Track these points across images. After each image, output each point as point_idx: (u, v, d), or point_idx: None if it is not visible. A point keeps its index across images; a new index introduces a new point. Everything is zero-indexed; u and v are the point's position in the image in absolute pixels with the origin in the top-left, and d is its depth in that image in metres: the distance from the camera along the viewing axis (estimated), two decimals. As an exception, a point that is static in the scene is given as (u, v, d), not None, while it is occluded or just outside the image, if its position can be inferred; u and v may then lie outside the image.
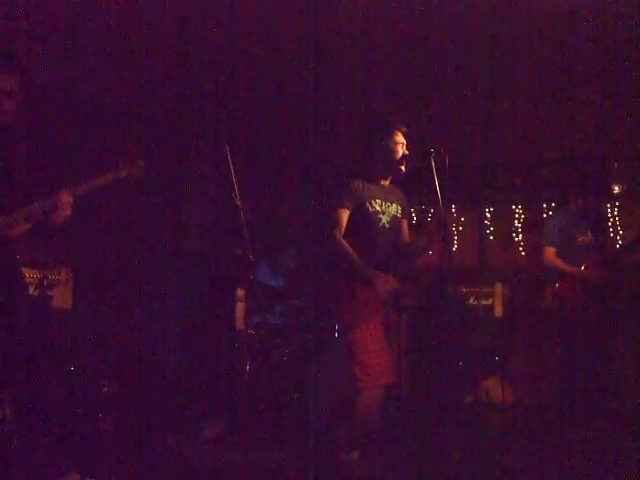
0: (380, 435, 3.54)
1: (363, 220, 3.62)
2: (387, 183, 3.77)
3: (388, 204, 3.71)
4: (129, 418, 2.75)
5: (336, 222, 3.59)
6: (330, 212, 3.63)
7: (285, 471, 3.68)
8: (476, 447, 3.86)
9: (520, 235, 6.81)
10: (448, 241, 3.49)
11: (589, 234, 4.76)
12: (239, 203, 3.40)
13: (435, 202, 3.61)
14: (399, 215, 3.78)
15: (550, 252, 4.76)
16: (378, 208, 3.66)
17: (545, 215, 6.67)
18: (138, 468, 2.82)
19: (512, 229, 6.84)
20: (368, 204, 3.62)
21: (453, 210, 6.81)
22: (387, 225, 3.68)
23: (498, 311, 5.51)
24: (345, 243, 3.57)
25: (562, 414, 4.49)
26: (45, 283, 4.53)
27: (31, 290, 4.74)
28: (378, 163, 3.72)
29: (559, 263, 4.70)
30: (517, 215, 6.90)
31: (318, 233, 3.82)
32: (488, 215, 6.94)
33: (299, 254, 5.46)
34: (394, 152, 3.66)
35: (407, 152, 3.68)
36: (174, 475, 3.45)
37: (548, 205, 6.71)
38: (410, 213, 6.34)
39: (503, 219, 6.89)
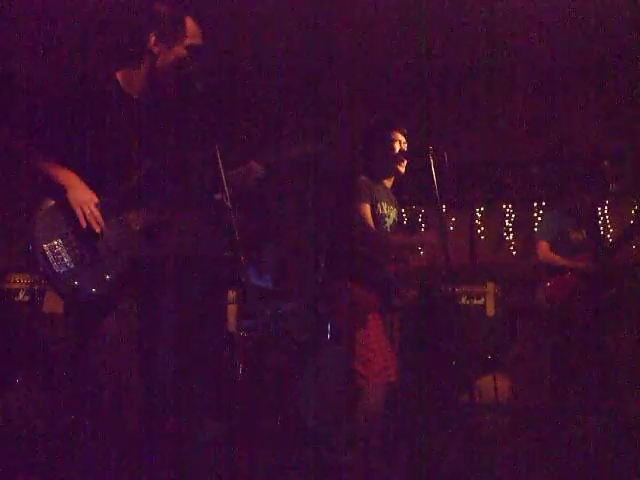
0: (379, 435, 3.52)
1: (372, 221, 3.57)
2: (389, 184, 3.74)
3: (391, 207, 3.68)
4: (127, 421, 2.72)
5: (366, 216, 3.51)
6: (355, 208, 3.52)
7: (281, 474, 3.67)
8: (470, 447, 3.85)
9: (511, 234, 6.82)
10: (445, 243, 3.46)
11: (583, 232, 4.78)
12: (229, 204, 3.37)
13: (426, 202, 3.61)
14: (397, 221, 3.76)
15: (544, 246, 4.79)
16: (385, 211, 3.63)
17: (536, 214, 6.68)
18: (135, 470, 2.80)
19: (503, 228, 6.85)
20: (378, 205, 3.59)
21: (444, 210, 6.80)
22: (389, 229, 3.66)
23: (490, 310, 5.51)
24: (381, 232, 3.54)
25: (556, 413, 4.49)
26: (36, 288, 4.49)
27: (21, 295, 4.72)
28: (378, 162, 3.68)
29: (553, 257, 4.72)
30: (508, 214, 6.90)
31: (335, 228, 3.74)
32: (479, 215, 6.95)
33: (279, 250, 5.43)
34: (392, 151, 3.63)
35: (405, 150, 3.65)
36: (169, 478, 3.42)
37: (539, 204, 6.72)
38: (401, 214, 6.36)
39: (494, 218, 6.89)
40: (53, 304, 4.45)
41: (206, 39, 2.68)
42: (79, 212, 2.47)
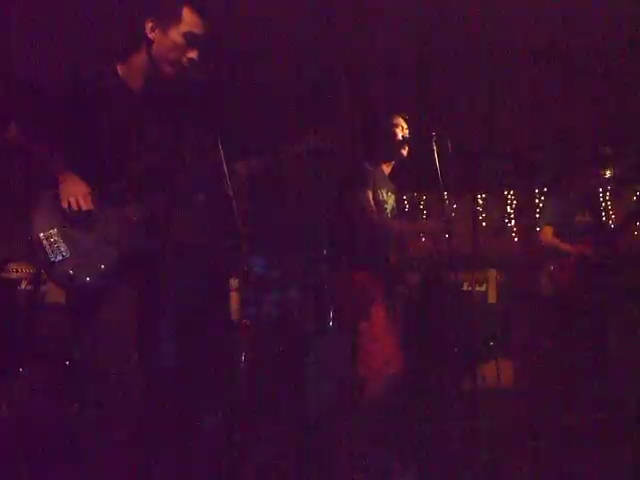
0: (382, 426, 3.53)
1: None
2: (387, 170, 3.73)
3: (389, 194, 3.69)
4: (127, 414, 2.74)
5: (368, 203, 3.49)
6: (357, 195, 3.53)
7: (283, 465, 3.68)
8: (472, 433, 3.87)
9: (513, 220, 6.82)
10: (447, 230, 3.47)
11: (587, 215, 4.80)
12: (231, 193, 3.37)
13: (428, 189, 3.61)
14: (394, 207, 3.75)
15: (549, 231, 4.80)
16: (384, 197, 3.63)
17: (537, 200, 6.68)
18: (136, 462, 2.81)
19: (505, 215, 6.85)
20: (378, 191, 3.58)
21: (445, 196, 6.80)
22: (389, 215, 3.66)
23: (492, 297, 5.51)
24: (386, 219, 3.54)
25: (559, 400, 4.50)
26: (39, 278, 4.50)
27: (23, 285, 4.73)
28: (379, 148, 3.68)
29: (557, 242, 4.74)
30: (509, 201, 6.90)
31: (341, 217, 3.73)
32: (480, 201, 6.94)
33: (291, 246, 5.44)
34: (395, 136, 3.63)
35: (407, 136, 3.65)
36: (171, 470, 3.43)
37: (540, 190, 6.72)
38: (399, 200, 6.32)
39: (495, 205, 6.89)
40: (56, 294, 4.45)
41: (207, 30, 2.67)
42: (65, 205, 2.51)
